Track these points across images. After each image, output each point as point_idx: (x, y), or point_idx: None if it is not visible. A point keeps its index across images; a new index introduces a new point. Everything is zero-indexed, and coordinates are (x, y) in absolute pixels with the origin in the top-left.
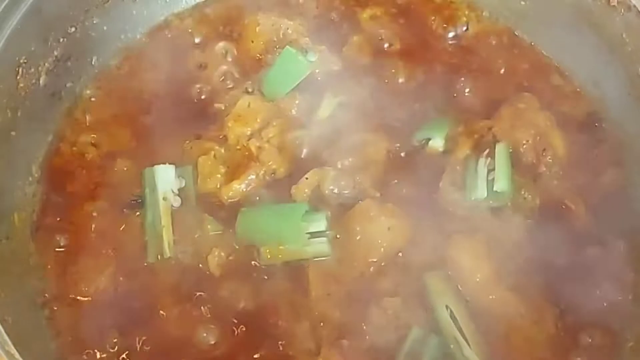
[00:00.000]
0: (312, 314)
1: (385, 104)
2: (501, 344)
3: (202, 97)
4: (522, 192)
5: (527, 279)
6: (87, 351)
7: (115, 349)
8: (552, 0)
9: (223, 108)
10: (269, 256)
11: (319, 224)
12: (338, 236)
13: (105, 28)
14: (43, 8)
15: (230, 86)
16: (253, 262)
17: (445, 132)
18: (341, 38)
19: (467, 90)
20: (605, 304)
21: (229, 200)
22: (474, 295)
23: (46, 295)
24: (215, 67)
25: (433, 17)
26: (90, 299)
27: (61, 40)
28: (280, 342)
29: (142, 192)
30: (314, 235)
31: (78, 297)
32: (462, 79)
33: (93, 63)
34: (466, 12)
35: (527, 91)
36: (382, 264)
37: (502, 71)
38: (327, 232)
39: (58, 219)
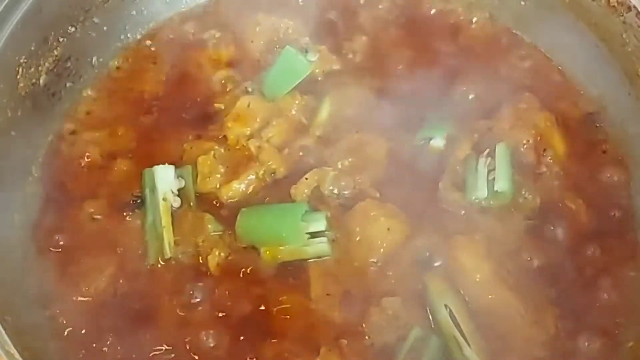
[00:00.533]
0: (312, 314)
1: (385, 104)
2: (501, 344)
3: (202, 97)
4: (523, 192)
5: (527, 279)
6: (87, 351)
7: (115, 349)
8: (552, 0)
9: (223, 108)
10: (268, 256)
11: (319, 224)
12: (338, 236)
13: (105, 28)
14: (43, 8)
15: (230, 86)
16: (253, 262)
17: (445, 132)
18: (341, 38)
19: (467, 90)
20: (605, 304)
21: (229, 200)
22: (473, 295)
23: (46, 295)
24: (215, 67)
25: (434, 17)
26: (90, 299)
27: (61, 40)
28: (280, 342)
29: (142, 192)
30: (313, 235)
31: (78, 298)
32: (463, 78)
33: (93, 63)
34: (466, 12)
35: (527, 91)
36: (382, 264)
37: (502, 71)
38: (327, 232)
39: (58, 219)
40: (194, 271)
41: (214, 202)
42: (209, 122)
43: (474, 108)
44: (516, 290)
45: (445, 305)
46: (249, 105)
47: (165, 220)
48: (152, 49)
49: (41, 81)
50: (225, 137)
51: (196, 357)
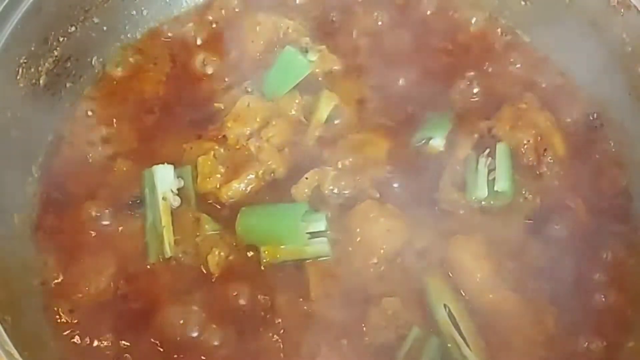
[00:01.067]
0: (312, 314)
1: (385, 104)
2: (500, 344)
3: (202, 97)
4: (523, 192)
5: (527, 279)
6: (87, 351)
7: (116, 349)
8: (552, 0)
9: (223, 108)
10: (268, 256)
11: (319, 224)
12: (338, 236)
13: (105, 28)
14: (43, 8)
15: (230, 86)
16: (253, 262)
17: (445, 132)
18: (341, 38)
19: (467, 90)
20: (605, 305)
21: (229, 200)
22: (473, 295)
23: (46, 295)
24: (215, 67)
25: (434, 18)
26: (90, 299)
27: (61, 40)
28: (280, 342)
29: (141, 192)
30: (313, 235)
31: (78, 297)
32: (463, 78)
33: (93, 63)
34: (466, 12)
35: (527, 91)
36: (382, 264)
37: (502, 71)
38: (327, 232)
39: (58, 219)
40: (194, 271)
41: (214, 202)
42: (209, 122)
43: (474, 108)
44: (516, 290)
45: (445, 305)
46: (248, 105)
47: (165, 220)
48: (152, 49)
49: (41, 81)
50: (225, 137)
51: (196, 357)
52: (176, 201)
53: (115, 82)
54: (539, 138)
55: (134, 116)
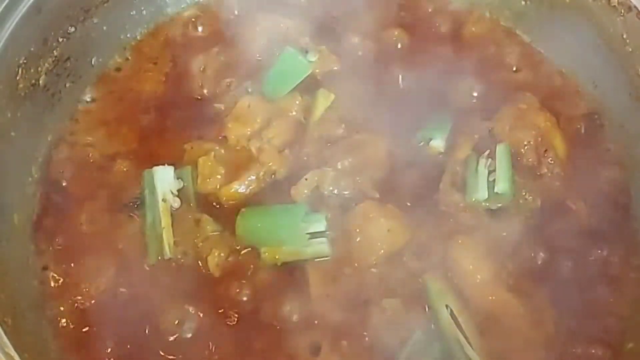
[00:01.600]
0: (312, 314)
1: (385, 104)
2: (501, 344)
3: (202, 97)
4: (523, 193)
5: (527, 280)
6: (87, 352)
7: (116, 350)
8: (552, 0)
9: (223, 109)
10: (268, 257)
11: (319, 224)
12: (338, 237)
13: (105, 28)
14: (43, 8)
15: (230, 87)
16: (253, 263)
17: (446, 133)
18: (341, 38)
19: (467, 90)
20: (605, 305)
21: (229, 201)
22: (473, 296)
23: (46, 295)
24: (215, 67)
25: (434, 18)
26: (90, 299)
27: (61, 40)
28: (280, 343)
29: (141, 193)
30: (313, 235)
31: (78, 298)
32: (463, 79)
33: (93, 63)
34: (467, 12)
35: (527, 91)
36: (382, 264)
37: (502, 71)
38: (327, 233)
39: (58, 219)
40: (193, 272)
41: (214, 203)
42: (209, 123)
43: (474, 108)
44: (516, 291)
45: (447, 306)
46: (249, 106)
47: (165, 221)
48: (152, 49)
49: (41, 81)
50: (225, 137)
51: (196, 357)
52: (176, 202)
53: (115, 82)
54: (539, 139)
55: (133, 116)
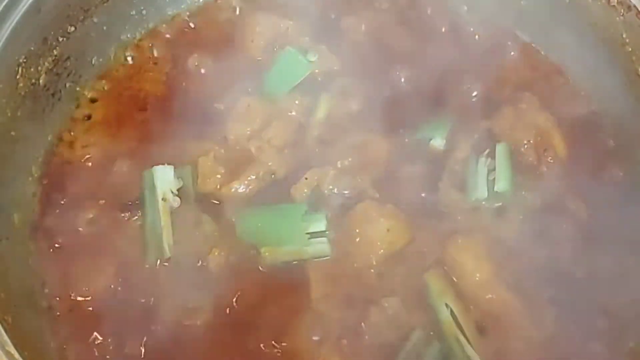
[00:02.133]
0: (312, 314)
1: (385, 104)
2: (500, 344)
3: (202, 97)
4: (523, 192)
5: (527, 279)
6: (87, 351)
7: (115, 348)
8: (552, 0)
9: (223, 108)
10: (268, 256)
11: (319, 224)
12: (338, 237)
13: (105, 28)
14: (43, 8)
15: (230, 86)
16: (253, 263)
17: (445, 132)
18: (341, 38)
19: (467, 90)
20: (604, 304)
21: (229, 201)
22: (473, 295)
23: (46, 295)
24: (214, 67)
25: (434, 17)
26: (90, 299)
27: (61, 40)
28: (280, 342)
29: (141, 192)
30: (313, 235)
31: (78, 297)
32: (463, 78)
33: (93, 63)
34: (466, 12)
35: (527, 91)
36: (382, 264)
37: (502, 71)
38: (327, 233)
39: (58, 219)
40: (193, 271)
41: (214, 203)
42: (209, 123)
43: (474, 108)
44: (516, 290)
45: (447, 305)
46: (249, 106)
47: (165, 221)
48: (152, 48)
49: (41, 81)
50: (225, 137)
51: (196, 357)
52: (176, 202)
53: (115, 82)
54: (539, 138)
55: (133, 116)
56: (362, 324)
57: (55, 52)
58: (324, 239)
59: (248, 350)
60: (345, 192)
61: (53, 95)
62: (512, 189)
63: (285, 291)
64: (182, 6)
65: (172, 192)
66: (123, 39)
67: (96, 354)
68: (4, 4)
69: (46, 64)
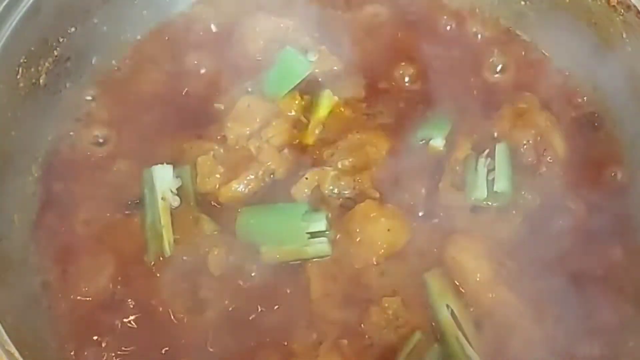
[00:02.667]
0: (312, 314)
1: (385, 104)
2: (501, 343)
3: (202, 97)
4: (522, 192)
5: (527, 279)
6: (87, 351)
7: (116, 349)
8: (552, 0)
9: (223, 108)
10: (268, 256)
11: (319, 224)
12: (338, 236)
13: (105, 28)
14: (43, 8)
15: (229, 86)
16: (253, 262)
17: (445, 132)
18: (341, 38)
19: (467, 90)
20: (604, 304)
21: (229, 200)
22: (473, 295)
23: (46, 295)
24: (215, 67)
25: (434, 17)
26: (90, 298)
27: (61, 40)
28: (280, 342)
29: (141, 192)
30: (314, 235)
31: (78, 297)
32: (463, 78)
33: (93, 63)
34: (466, 12)
35: (527, 91)
36: (382, 264)
37: (502, 71)
38: (327, 232)
39: (58, 218)
40: (193, 270)
41: (214, 202)
42: (209, 122)
43: (474, 108)
44: (516, 290)
45: (447, 306)
46: (248, 106)
47: (165, 220)
48: (152, 49)
49: (41, 81)
50: (224, 137)
51: (196, 358)
52: (175, 201)
53: (115, 82)
54: (539, 138)
55: (133, 116)
56: (362, 324)
57: (55, 52)
58: (324, 239)
59: (247, 349)
60: (346, 192)
61: (53, 95)
62: (511, 189)
63: (285, 291)
64: (182, 6)
65: (172, 192)
66: (123, 39)
67: (96, 353)
68: (4, 4)
69: (46, 64)
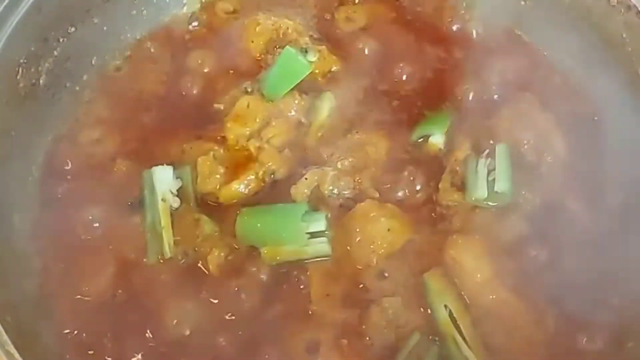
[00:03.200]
0: (312, 314)
1: (385, 104)
2: (501, 344)
3: (202, 97)
4: (523, 193)
5: (527, 279)
6: (87, 351)
7: (116, 349)
8: (552, 0)
9: (222, 108)
10: (268, 256)
11: (319, 224)
12: (338, 236)
13: (105, 28)
14: (43, 8)
15: (229, 86)
16: (253, 263)
17: (445, 128)
18: (341, 38)
19: (467, 90)
20: (604, 304)
21: (229, 201)
22: (473, 296)
23: (46, 295)
24: (214, 67)
25: (434, 17)
26: (90, 299)
27: (61, 40)
28: (280, 342)
29: (141, 192)
30: (313, 235)
31: (78, 298)
32: (463, 78)
33: (93, 63)
34: (467, 12)
35: (527, 91)
36: (382, 264)
37: (502, 71)
38: (327, 232)
39: (58, 218)
40: (193, 271)
41: (214, 203)
42: (209, 123)
43: (473, 108)
44: (516, 290)
45: (445, 306)
46: (248, 106)
47: (165, 221)
48: (152, 49)
49: (41, 81)
50: (224, 137)
51: (196, 357)
52: (175, 202)
53: (115, 82)
54: (539, 138)
55: (133, 116)
56: (362, 324)
57: (55, 52)
58: (324, 239)
59: (247, 349)
60: (346, 192)
61: (53, 95)
62: (512, 189)
63: (285, 291)
64: (182, 6)
65: (172, 192)
66: (123, 39)
67: (96, 354)
68: (4, 4)
69: (46, 64)
